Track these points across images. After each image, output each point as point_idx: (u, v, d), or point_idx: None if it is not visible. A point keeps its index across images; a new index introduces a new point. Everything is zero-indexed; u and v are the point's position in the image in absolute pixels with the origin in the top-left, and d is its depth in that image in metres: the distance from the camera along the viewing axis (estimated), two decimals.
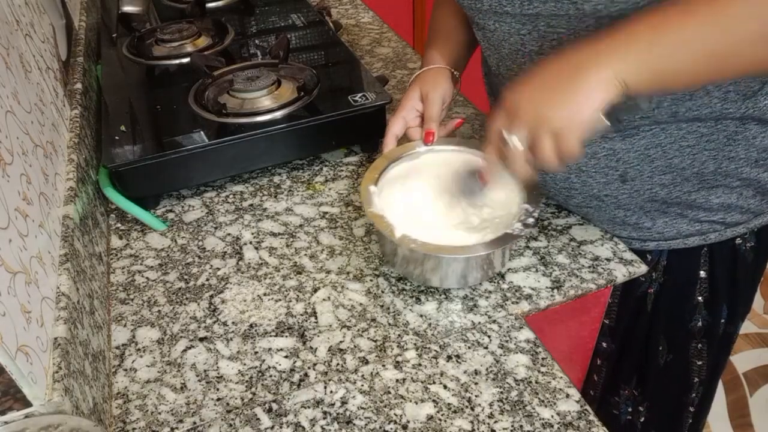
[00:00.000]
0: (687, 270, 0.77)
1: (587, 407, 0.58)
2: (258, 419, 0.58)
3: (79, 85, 0.89)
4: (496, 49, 0.70)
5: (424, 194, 0.71)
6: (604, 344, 0.87)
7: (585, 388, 0.92)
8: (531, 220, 0.65)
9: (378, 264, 0.74)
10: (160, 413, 0.59)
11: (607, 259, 0.73)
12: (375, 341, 0.65)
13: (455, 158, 0.75)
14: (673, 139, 0.65)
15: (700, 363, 0.83)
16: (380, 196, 0.70)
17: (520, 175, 0.60)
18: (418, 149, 0.76)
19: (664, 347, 0.82)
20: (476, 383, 0.60)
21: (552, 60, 0.56)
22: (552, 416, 0.57)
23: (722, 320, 0.80)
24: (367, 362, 0.63)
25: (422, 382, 0.61)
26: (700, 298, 0.78)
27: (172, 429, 0.58)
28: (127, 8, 1.06)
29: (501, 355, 0.63)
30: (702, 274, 0.77)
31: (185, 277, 0.74)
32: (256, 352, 0.65)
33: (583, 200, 0.74)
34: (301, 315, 0.68)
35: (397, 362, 0.63)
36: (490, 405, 0.58)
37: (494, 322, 0.66)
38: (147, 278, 0.74)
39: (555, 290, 0.70)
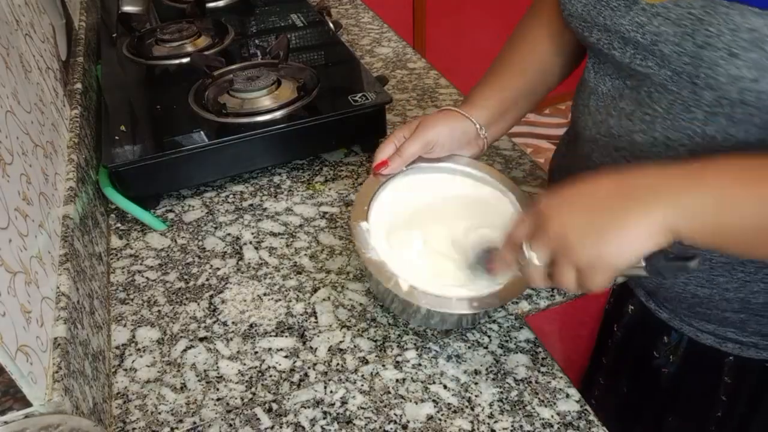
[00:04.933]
0: (708, 369, 0.70)
1: (587, 407, 0.58)
2: (258, 419, 0.58)
3: (79, 85, 0.89)
4: (596, 79, 0.62)
5: (418, 238, 0.65)
6: (602, 380, 0.83)
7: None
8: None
9: None
10: (160, 413, 0.59)
11: None
12: (375, 341, 0.65)
13: (441, 182, 0.70)
14: (728, 261, 0.58)
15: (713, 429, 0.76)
16: (373, 232, 0.63)
17: (534, 285, 0.53)
18: (405, 170, 0.69)
19: (674, 419, 0.76)
20: (476, 383, 0.60)
21: (607, 177, 0.48)
22: (552, 416, 0.57)
23: (739, 420, 0.72)
24: (367, 362, 0.63)
25: (422, 382, 0.61)
26: (723, 397, 0.70)
27: (172, 429, 0.58)
28: (127, 8, 1.06)
29: (501, 355, 0.63)
30: (726, 379, 0.69)
31: (185, 277, 0.74)
32: (256, 352, 0.65)
33: None
34: (301, 315, 0.68)
35: (397, 362, 0.63)
36: (490, 405, 0.58)
37: (494, 322, 0.66)
38: (147, 278, 0.74)
39: (555, 290, 0.70)
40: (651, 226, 0.45)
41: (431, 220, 0.67)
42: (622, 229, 0.45)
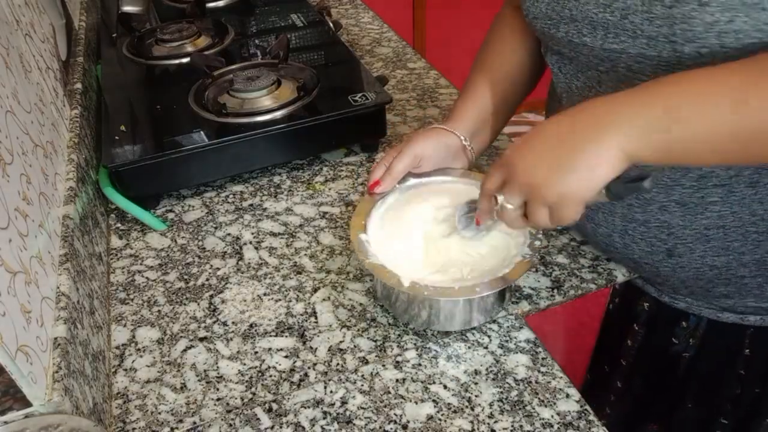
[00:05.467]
0: (728, 346, 0.71)
1: (587, 407, 0.58)
2: (258, 419, 0.58)
3: (79, 85, 0.89)
4: (566, 79, 0.64)
5: (416, 234, 0.67)
6: (619, 383, 0.83)
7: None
8: (537, 243, 0.62)
9: None
10: (160, 413, 0.59)
11: (607, 259, 0.73)
12: (375, 341, 0.65)
13: (439, 195, 0.71)
14: (741, 224, 0.59)
15: (725, 422, 0.76)
16: (373, 243, 0.65)
17: (513, 228, 0.57)
18: (399, 186, 0.71)
19: (692, 404, 0.77)
20: (476, 383, 0.60)
21: (561, 117, 0.51)
22: (552, 416, 0.57)
23: (756, 390, 0.73)
24: (367, 362, 0.63)
25: (422, 382, 0.61)
26: (742, 371, 0.71)
27: (172, 429, 0.58)
28: (127, 8, 1.06)
29: (501, 355, 0.63)
30: (747, 352, 0.70)
31: (185, 277, 0.74)
32: (256, 352, 0.65)
33: (622, 258, 0.70)
34: (301, 315, 0.68)
35: (397, 362, 0.63)
36: (490, 405, 0.58)
37: (494, 322, 0.66)
38: (147, 278, 0.74)
39: (555, 290, 0.70)
40: (609, 153, 0.47)
41: (424, 221, 0.68)
42: (583, 161, 0.48)
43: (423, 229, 0.67)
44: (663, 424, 0.81)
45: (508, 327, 0.66)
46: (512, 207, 0.55)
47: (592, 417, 0.57)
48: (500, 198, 0.56)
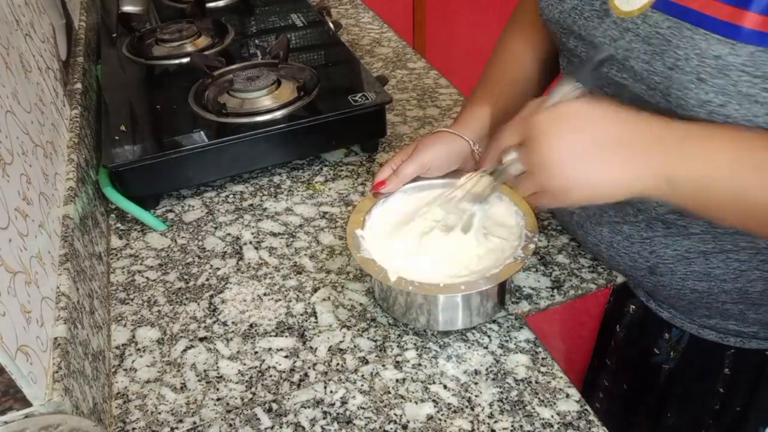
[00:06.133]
0: (707, 363, 0.70)
1: (587, 407, 0.58)
2: (258, 419, 0.58)
3: (79, 85, 0.89)
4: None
5: (415, 234, 0.67)
6: (606, 382, 0.83)
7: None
8: (532, 246, 0.62)
9: None
10: (160, 413, 0.59)
11: None
12: (375, 341, 0.65)
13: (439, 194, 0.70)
14: (721, 250, 0.59)
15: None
16: (368, 239, 0.66)
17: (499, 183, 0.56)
18: (403, 188, 0.72)
19: (673, 414, 0.77)
20: (476, 383, 0.60)
21: (615, 123, 0.49)
22: (552, 416, 0.57)
23: (737, 408, 0.73)
24: (367, 362, 0.63)
25: (422, 382, 0.61)
26: (721, 389, 0.71)
27: (172, 429, 0.58)
28: (127, 8, 1.06)
29: (501, 355, 0.63)
30: (726, 371, 0.69)
31: (185, 277, 0.74)
32: (256, 352, 0.65)
33: (607, 266, 0.71)
34: (301, 315, 0.68)
35: (397, 362, 0.63)
36: (490, 405, 0.58)
37: (494, 322, 0.66)
38: (147, 278, 0.74)
39: (555, 290, 0.70)
40: (638, 184, 0.47)
41: (424, 222, 0.68)
42: (612, 179, 0.48)
43: (422, 230, 0.67)
44: (648, 431, 0.81)
45: (508, 327, 0.66)
46: (514, 172, 0.53)
47: (592, 417, 0.57)
48: (508, 158, 0.54)
